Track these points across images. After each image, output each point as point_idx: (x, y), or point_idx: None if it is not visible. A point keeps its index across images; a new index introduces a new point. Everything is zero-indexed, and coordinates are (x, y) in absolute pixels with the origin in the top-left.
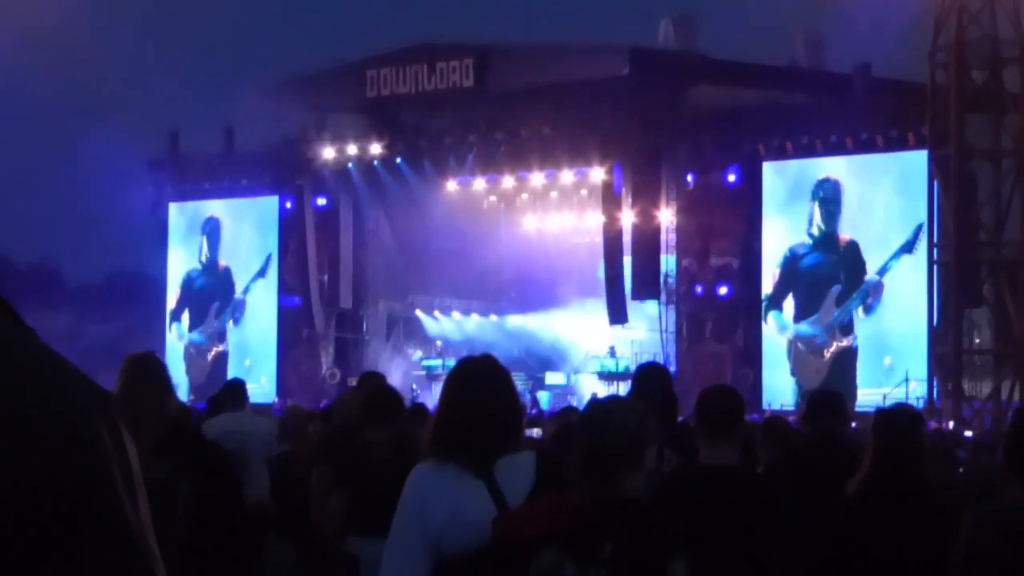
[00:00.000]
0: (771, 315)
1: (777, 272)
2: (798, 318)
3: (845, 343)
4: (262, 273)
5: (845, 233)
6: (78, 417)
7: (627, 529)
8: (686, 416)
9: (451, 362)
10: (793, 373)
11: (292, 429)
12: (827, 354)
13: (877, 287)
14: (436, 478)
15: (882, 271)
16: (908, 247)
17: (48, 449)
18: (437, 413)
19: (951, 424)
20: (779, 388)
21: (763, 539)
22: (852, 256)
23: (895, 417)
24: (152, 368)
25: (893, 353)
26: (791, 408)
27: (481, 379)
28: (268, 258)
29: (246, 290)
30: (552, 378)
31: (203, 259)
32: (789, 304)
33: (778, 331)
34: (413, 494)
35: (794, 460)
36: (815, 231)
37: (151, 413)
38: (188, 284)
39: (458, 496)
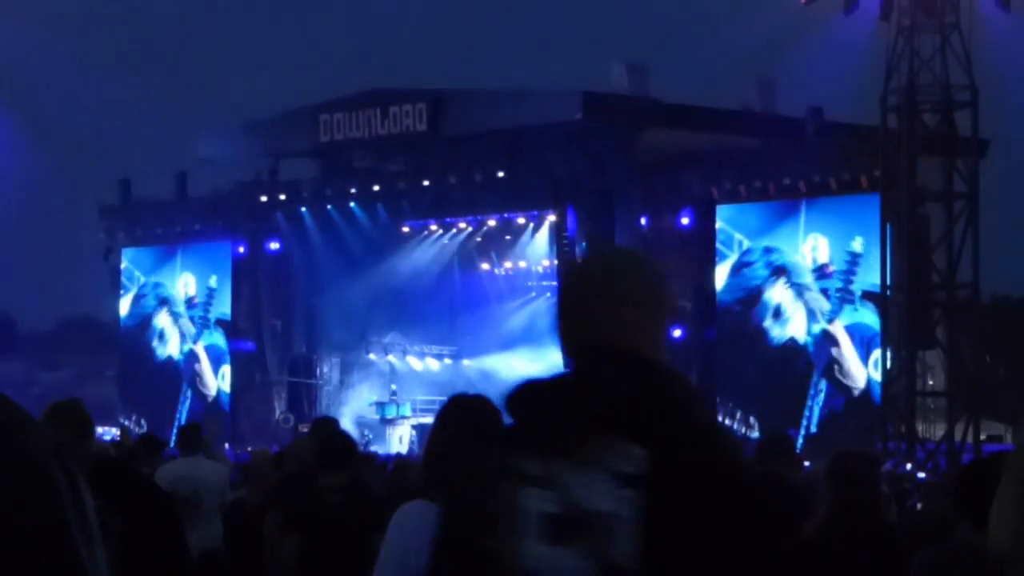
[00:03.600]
0: None
1: None
2: None
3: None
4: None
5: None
6: (35, 467)
7: None
8: None
9: (405, 406)
10: None
11: (258, 474)
12: None
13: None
14: (421, 518)
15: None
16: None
17: (6, 498)
18: (426, 449)
19: (908, 467)
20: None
21: None
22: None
23: (851, 459)
24: (67, 414)
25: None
26: None
27: (467, 418)
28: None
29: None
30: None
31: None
32: None
33: None
34: (398, 533)
35: None
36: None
37: None
38: None
39: None
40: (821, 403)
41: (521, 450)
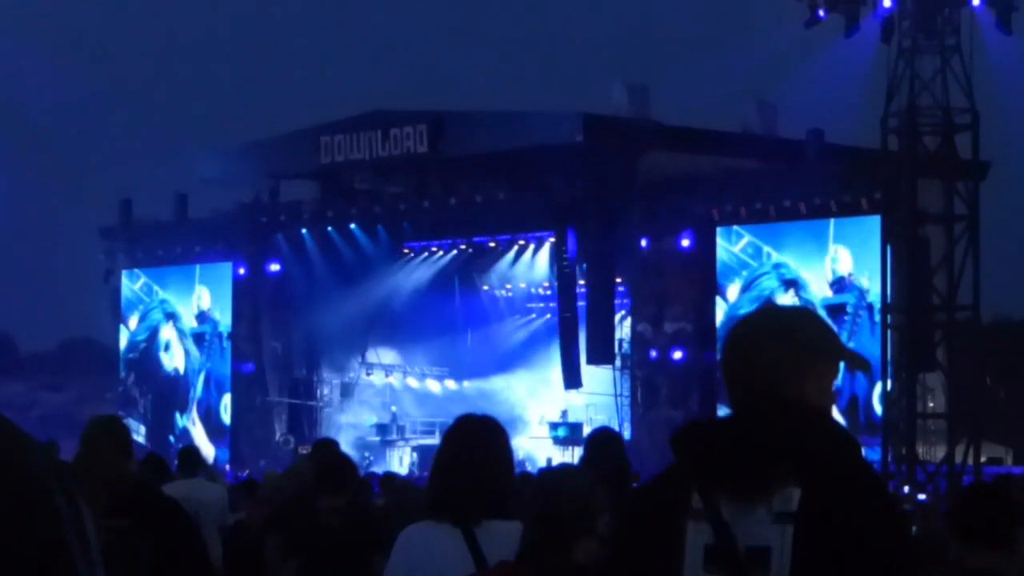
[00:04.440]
0: None
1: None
2: None
3: None
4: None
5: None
6: (35, 487)
7: None
8: (641, 483)
9: (406, 428)
10: None
11: (267, 496)
12: None
13: None
14: (425, 540)
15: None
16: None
17: (5, 519)
18: (431, 469)
19: (906, 489)
20: None
21: None
22: None
23: None
24: (111, 431)
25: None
26: None
27: (474, 438)
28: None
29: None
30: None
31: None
32: None
33: None
34: (403, 555)
35: None
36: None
37: (106, 476)
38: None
39: (444, 560)
40: None
41: (689, 486)
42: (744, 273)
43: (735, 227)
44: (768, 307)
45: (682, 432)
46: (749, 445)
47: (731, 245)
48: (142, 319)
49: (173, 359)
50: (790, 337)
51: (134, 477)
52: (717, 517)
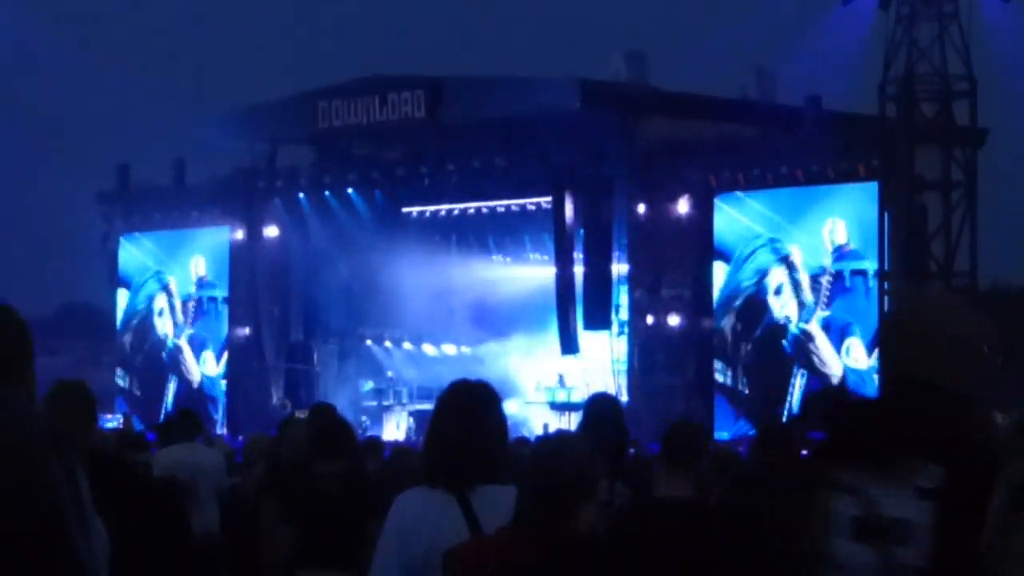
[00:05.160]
0: None
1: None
2: None
3: None
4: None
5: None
6: (32, 461)
7: (579, 565)
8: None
9: (403, 393)
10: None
11: (254, 459)
12: None
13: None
14: (419, 505)
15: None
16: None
17: (5, 503)
18: (426, 434)
19: None
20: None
21: (719, 573)
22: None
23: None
24: (74, 397)
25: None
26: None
27: (467, 403)
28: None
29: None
30: (505, 408)
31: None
32: None
33: None
34: (396, 520)
35: (744, 492)
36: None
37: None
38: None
39: (438, 525)
40: (803, 388)
41: (837, 462)
42: (756, 242)
43: (745, 198)
44: (929, 297)
45: (834, 411)
46: (899, 427)
47: (741, 215)
48: (137, 289)
49: (164, 326)
50: (948, 330)
51: (95, 446)
52: (864, 491)
